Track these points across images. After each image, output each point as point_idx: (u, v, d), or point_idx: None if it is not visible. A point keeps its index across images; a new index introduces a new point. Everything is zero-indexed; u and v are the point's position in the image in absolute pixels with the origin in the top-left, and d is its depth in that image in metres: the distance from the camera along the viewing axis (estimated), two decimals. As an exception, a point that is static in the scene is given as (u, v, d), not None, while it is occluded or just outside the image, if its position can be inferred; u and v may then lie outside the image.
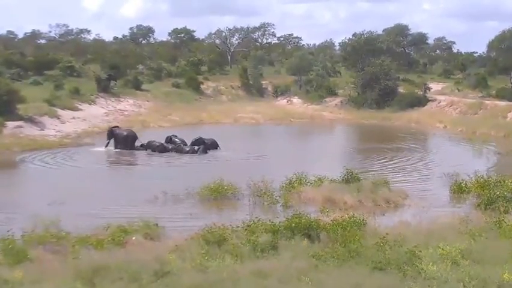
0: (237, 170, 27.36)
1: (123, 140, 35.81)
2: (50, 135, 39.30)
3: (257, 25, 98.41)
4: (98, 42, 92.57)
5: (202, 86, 65.63)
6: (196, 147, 34.31)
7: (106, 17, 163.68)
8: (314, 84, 64.82)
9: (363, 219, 15.92)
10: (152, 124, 48.27)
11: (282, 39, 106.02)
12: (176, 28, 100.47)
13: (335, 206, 19.88)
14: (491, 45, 71.34)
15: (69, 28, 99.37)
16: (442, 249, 13.16)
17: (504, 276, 11.36)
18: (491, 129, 42.76)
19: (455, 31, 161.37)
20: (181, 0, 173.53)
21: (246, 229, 15.22)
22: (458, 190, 22.49)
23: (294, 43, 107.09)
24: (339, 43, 74.87)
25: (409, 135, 43.62)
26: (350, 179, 22.71)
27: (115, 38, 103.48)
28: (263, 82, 70.06)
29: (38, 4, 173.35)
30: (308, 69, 68.80)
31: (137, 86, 60.37)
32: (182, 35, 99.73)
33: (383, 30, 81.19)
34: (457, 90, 60.69)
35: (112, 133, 36.17)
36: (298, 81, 68.31)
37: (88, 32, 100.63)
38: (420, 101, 56.07)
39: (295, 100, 63.62)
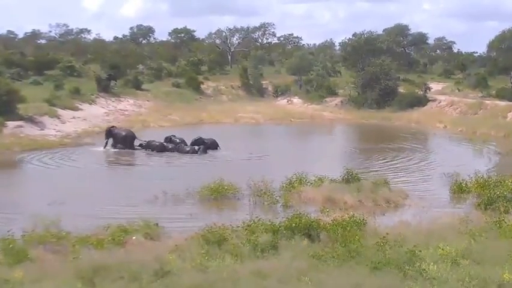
0: (237, 170, 27.36)
1: (122, 140, 35.78)
2: (51, 135, 39.29)
3: (257, 25, 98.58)
4: (99, 42, 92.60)
5: (202, 86, 65.63)
6: (196, 147, 34.31)
7: (106, 17, 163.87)
8: (314, 84, 64.83)
9: (363, 219, 15.93)
10: (153, 124, 48.27)
11: (282, 39, 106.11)
12: (177, 28, 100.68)
13: (335, 206, 19.88)
14: (491, 45, 71.36)
15: (69, 28, 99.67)
16: (442, 249, 13.16)
17: (504, 276, 11.36)
18: (491, 129, 42.74)
19: (455, 31, 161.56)
20: (181, 0, 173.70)
21: (246, 229, 15.22)
22: (458, 190, 22.49)
23: (294, 43, 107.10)
24: (339, 43, 75.05)
25: (409, 135, 43.59)
26: (350, 179, 22.71)
27: (115, 38, 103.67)
28: (263, 82, 70.06)
29: (38, 4, 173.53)
30: (308, 69, 68.81)
31: (137, 85, 60.38)
32: (182, 35, 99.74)
33: (383, 30, 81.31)
34: (457, 90, 60.68)
35: (110, 133, 36.15)
36: (299, 81, 68.31)
37: (88, 31, 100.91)
38: (421, 101, 56.05)
39: (296, 100, 63.62)
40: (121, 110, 52.92)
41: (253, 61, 73.84)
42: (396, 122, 51.43)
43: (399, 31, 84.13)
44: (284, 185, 22.48)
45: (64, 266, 12.81)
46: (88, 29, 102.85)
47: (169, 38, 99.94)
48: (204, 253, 13.40)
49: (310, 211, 17.78)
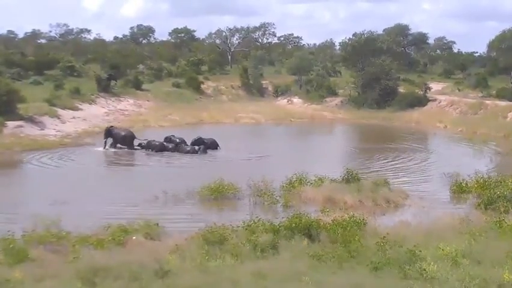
0: (237, 170, 27.36)
1: (121, 140, 35.79)
2: (51, 135, 39.29)
3: (257, 25, 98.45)
4: (99, 42, 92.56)
5: (202, 86, 65.57)
6: (196, 147, 34.31)
7: (106, 16, 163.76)
8: (314, 84, 64.77)
9: (363, 219, 15.94)
10: (153, 124, 48.26)
11: (282, 39, 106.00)
12: (177, 28, 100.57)
13: (335, 206, 19.90)
14: (491, 45, 71.41)
15: (69, 28, 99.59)
16: (442, 249, 13.17)
17: (504, 276, 11.37)
18: (491, 129, 42.73)
19: (456, 31, 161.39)
20: (182, 0, 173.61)
21: (246, 229, 15.24)
22: (459, 190, 22.51)
23: (294, 43, 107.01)
24: (340, 43, 74.74)
25: (409, 135, 43.59)
26: (350, 179, 22.71)
27: (116, 38, 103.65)
28: (263, 82, 70.02)
29: (39, 4, 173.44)
30: (308, 69, 68.77)
31: (137, 85, 60.34)
32: (182, 35, 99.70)
33: (383, 30, 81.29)
34: (457, 90, 60.63)
35: (109, 133, 36.14)
36: (299, 81, 68.28)
37: (88, 31, 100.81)
38: (421, 101, 56.01)
39: (296, 100, 63.59)
40: (121, 110, 52.89)
41: (254, 61, 73.78)
42: (397, 122, 51.41)
43: (400, 31, 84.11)
44: (284, 185, 22.49)
45: (64, 266, 12.83)
46: (88, 29, 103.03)
47: (169, 38, 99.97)
48: (204, 253, 13.42)
49: (311, 211, 17.79)
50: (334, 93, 63.51)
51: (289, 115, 56.06)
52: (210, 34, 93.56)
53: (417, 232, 15.49)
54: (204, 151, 34.13)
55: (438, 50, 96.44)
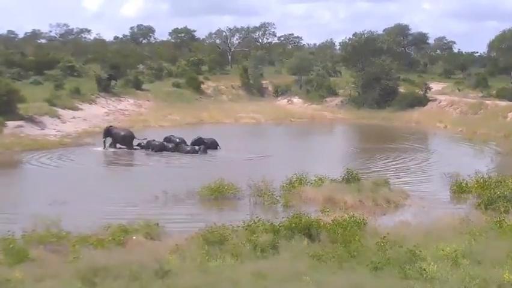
0: (237, 170, 27.34)
1: (121, 140, 35.79)
2: (51, 135, 39.29)
3: (257, 25, 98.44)
4: (99, 42, 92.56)
5: (202, 86, 65.56)
6: (196, 147, 34.31)
7: (107, 16, 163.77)
8: (314, 84, 64.76)
9: (363, 219, 15.94)
10: (153, 124, 48.26)
11: (282, 39, 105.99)
12: (177, 28, 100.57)
13: (336, 206, 19.90)
14: (491, 45, 71.43)
15: (69, 28, 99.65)
16: (443, 249, 13.16)
17: (504, 276, 11.37)
18: (491, 129, 42.72)
19: (456, 31, 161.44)
20: (182, 0, 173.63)
21: (246, 229, 15.23)
22: (459, 190, 22.50)
23: (294, 43, 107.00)
24: (340, 43, 74.71)
25: (410, 135, 43.59)
26: (350, 178, 22.71)
27: (116, 38, 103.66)
28: (263, 82, 70.01)
29: (38, 4, 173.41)
30: (309, 69, 68.76)
31: (137, 85, 60.33)
32: (182, 35, 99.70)
33: (384, 30, 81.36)
34: (457, 90, 60.63)
35: (109, 132, 36.13)
36: (299, 81, 68.27)
37: (89, 31, 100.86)
38: (421, 101, 56.01)
39: (296, 100, 63.59)
40: (121, 109, 52.89)
41: (254, 61, 73.76)
42: (397, 122, 51.41)
43: (400, 31, 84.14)
44: (284, 185, 22.49)
45: (64, 265, 12.83)
46: (88, 29, 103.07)
47: (170, 38, 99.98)
48: (204, 253, 13.42)
49: (311, 211, 17.79)
50: (334, 93, 63.50)
51: (290, 115, 56.06)
52: (210, 34, 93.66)
53: (418, 232, 15.49)
54: (204, 151, 34.13)
55: (438, 50, 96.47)
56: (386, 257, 12.72)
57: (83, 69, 64.38)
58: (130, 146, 35.52)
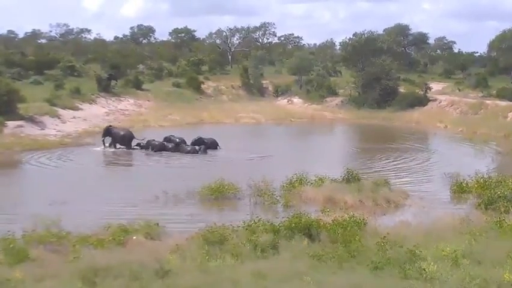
0: (238, 170, 27.36)
1: (120, 139, 35.82)
2: (51, 135, 39.30)
3: (258, 25, 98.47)
4: (99, 42, 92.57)
5: (202, 86, 65.55)
6: (197, 147, 34.31)
7: (107, 16, 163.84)
8: (315, 84, 64.74)
9: (363, 219, 15.94)
10: (153, 124, 48.24)
11: (282, 39, 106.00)
12: (177, 28, 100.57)
13: (336, 205, 19.90)
14: (491, 45, 71.46)
15: (69, 28, 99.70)
16: (443, 249, 13.16)
17: (505, 276, 11.36)
18: (491, 129, 42.72)
19: (456, 31, 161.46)
20: (182, 0, 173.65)
21: (246, 229, 15.23)
22: (459, 190, 22.50)
23: (294, 43, 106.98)
24: (340, 43, 74.68)
25: (410, 135, 43.58)
26: (350, 178, 22.71)
27: (116, 38, 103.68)
28: (264, 82, 70.00)
29: (38, 4, 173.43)
30: (309, 69, 68.74)
31: (137, 85, 60.32)
32: (182, 35, 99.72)
33: (384, 30, 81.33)
34: (457, 90, 60.61)
35: (109, 132, 36.14)
36: (299, 81, 68.26)
37: (89, 31, 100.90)
38: (421, 101, 55.99)
39: (296, 100, 63.58)
40: (121, 109, 52.88)
41: (254, 61, 73.75)
42: (397, 122, 51.40)
43: (400, 31, 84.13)
44: (284, 185, 22.49)
45: (64, 265, 12.83)
46: (89, 28, 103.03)
47: (170, 37, 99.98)
48: (204, 253, 13.42)
49: (311, 211, 17.79)
50: (334, 93, 63.49)
51: (290, 115, 56.04)
52: (210, 34, 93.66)
53: (418, 232, 15.49)
54: (204, 151, 34.13)
55: (438, 50, 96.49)
56: (386, 257, 12.72)
57: (83, 69, 64.38)
58: (129, 145, 35.53)
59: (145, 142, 35.34)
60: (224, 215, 19.79)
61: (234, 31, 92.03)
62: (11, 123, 38.67)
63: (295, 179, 22.79)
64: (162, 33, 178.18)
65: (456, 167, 26.44)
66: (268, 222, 15.66)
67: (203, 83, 66.25)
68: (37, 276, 12.03)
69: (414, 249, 12.88)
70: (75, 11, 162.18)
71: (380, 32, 75.88)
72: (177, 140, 35.43)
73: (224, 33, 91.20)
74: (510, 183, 20.91)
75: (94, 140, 37.97)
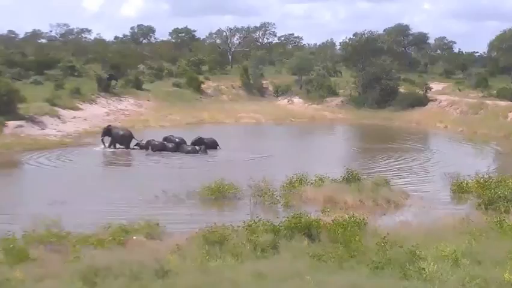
0: (238, 170, 27.36)
1: (120, 139, 35.84)
2: (51, 135, 39.29)
3: (258, 25, 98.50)
4: (99, 42, 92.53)
5: (202, 86, 65.53)
6: (197, 147, 34.31)
7: (107, 16, 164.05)
8: (315, 84, 64.69)
9: (363, 219, 15.94)
10: (153, 124, 48.23)
11: (282, 39, 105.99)
12: (177, 28, 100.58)
13: (336, 205, 19.91)
14: (492, 45, 71.45)
15: (70, 28, 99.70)
16: (443, 249, 13.16)
17: (505, 276, 11.35)
18: (491, 129, 42.74)
19: (456, 31, 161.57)
20: (182, 0, 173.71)
21: (246, 229, 15.22)
22: (459, 190, 22.49)
23: (294, 43, 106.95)
24: (340, 43, 74.70)
25: (410, 135, 43.61)
26: (351, 178, 22.70)
27: (116, 38, 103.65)
28: (264, 82, 69.99)
29: (39, 4, 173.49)
30: (309, 69, 68.70)
31: (138, 85, 60.31)
32: (183, 35, 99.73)
33: (384, 30, 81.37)
34: (457, 90, 60.66)
35: (109, 132, 36.15)
36: (299, 81, 68.24)
37: (89, 31, 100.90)
38: (421, 101, 56.01)
39: (296, 100, 63.58)
40: (121, 109, 52.86)
41: (254, 61, 73.78)
42: (397, 122, 51.41)
43: (400, 31, 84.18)
44: (285, 185, 22.49)
45: (64, 265, 12.83)
46: (89, 28, 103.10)
47: (170, 37, 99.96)
48: (204, 253, 13.41)
49: (311, 211, 17.76)
50: (334, 93, 63.48)
51: (290, 115, 56.04)
52: (211, 34, 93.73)
53: (418, 232, 15.47)
54: (205, 151, 34.13)
55: (438, 50, 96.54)
56: (386, 257, 12.71)
57: (84, 69, 64.34)
58: (128, 145, 35.56)
59: (145, 142, 35.34)
60: (224, 215, 19.80)
61: (234, 31, 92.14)
62: (11, 123, 38.64)
63: (295, 179, 22.79)
64: (162, 33, 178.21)
65: (456, 167, 26.44)
66: (269, 222, 15.64)
67: (203, 83, 66.24)
68: (37, 276, 12.03)
69: (414, 249, 12.87)
70: (75, 11, 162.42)
71: (380, 32, 75.98)
72: (176, 140, 35.43)
73: (224, 33, 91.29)
74: (510, 183, 20.89)
75: (94, 140, 37.96)
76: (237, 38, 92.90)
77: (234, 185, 22.05)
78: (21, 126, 39.08)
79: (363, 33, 65.74)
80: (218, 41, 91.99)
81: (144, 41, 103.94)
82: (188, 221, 18.62)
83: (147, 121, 48.86)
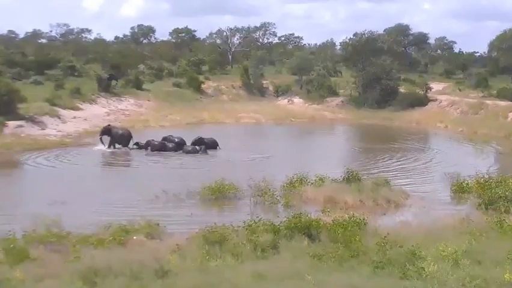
0: (238, 170, 27.36)
1: (119, 139, 35.86)
2: (51, 135, 39.29)
3: (258, 25, 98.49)
4: (99, 42, 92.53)
5: (203, 86, 65.53)
6: (197, 147, 34.31)
7: (107, 16, 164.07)
8: (315, 84, 64.69)
9: (363, 219, 15.94)
10: (153, 124, 48.22)
11: (283, 39, 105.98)
12: (177, 28, 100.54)
13: (336, 205, 19.91)
14: (492, 45, 71.46)
15: (70, 28, 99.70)
16: (443, 250, 13.15)
17: (505, 276, 11.35)
18: (491, 129, 42.74)
19: (456, 31, 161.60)
20: (182, 0, 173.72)
21: (246, 229, 15.22)
22: (460, 190, 22.49)
23: (295, 43, 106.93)
24: (340, 43, 74.69)
25: (410, 135, 43.60)
26: (351, 178, 22.70)
27: (116, 38, 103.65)
28: (264, 82, 69.99)
29: (39, 4, 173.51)
30: (309, 69, 68.71)
31: (138, 85, 60.31)
32: (183, 35, 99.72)
33: (384, 30, 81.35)
34: (458, 90, 60.65)
35: (109, 131, 36.16)
36: (299, 81, 68.25)
37: (89, 31, 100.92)
38: (421, 101, 56.02)
39: (296, 100, 63.58)
40: (121, 109, 52.85)
41: (254, 61, 73.78)
42: (397, 122, 51.42)
43: (400, 31, 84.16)
44: (285, 184, 22.49)
45: (64, 265, 12.83)
46: (89, 28, 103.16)
47: (170, 37, 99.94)
48: (204, 253, 13.41)
49: (311, 211, 17.77)
50: (335, 93, 63.49)
51: (290, 115, 56.04)
52: (211, 34, 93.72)
53: (418, 232, 15.48)
54: (205, 151, 34.13)
55: (439, 50, 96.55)
56: (386, 257, 12.71)
57: (84, 69, 64.34)
58: (127, 145, 35.61)
59: (144, 142, 35.35)
60: (224, 215, 19.80)
61: (234, 31, 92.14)
62: (11, 123, 38.64)
63: (295, 179, 22.79)
64: (162, 33, 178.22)
65: (456, 167, 26.45)
66: (269, 222, 15.64)
67: (203, 83, 66.23)
68: (37, 276, 12.03)
69: (414, 249, 12.88)
70: (75, 11, 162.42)
71: (381, 32, 75.99)
72: (176, 140, 35.44)
73: (224, 33, 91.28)
74: (510, 184, 20.89)
75: (94, 140, 37.91)
76: (237, 38, 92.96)
77: (234, 185, 22.06)
78: (21, 126, 39.08)
79: (364, 33, 65.77)
80: (218, 41, 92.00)
81: (144, 41, 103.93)
82: (188, 221, 18.62)
83: (147, 121, 48.86)
